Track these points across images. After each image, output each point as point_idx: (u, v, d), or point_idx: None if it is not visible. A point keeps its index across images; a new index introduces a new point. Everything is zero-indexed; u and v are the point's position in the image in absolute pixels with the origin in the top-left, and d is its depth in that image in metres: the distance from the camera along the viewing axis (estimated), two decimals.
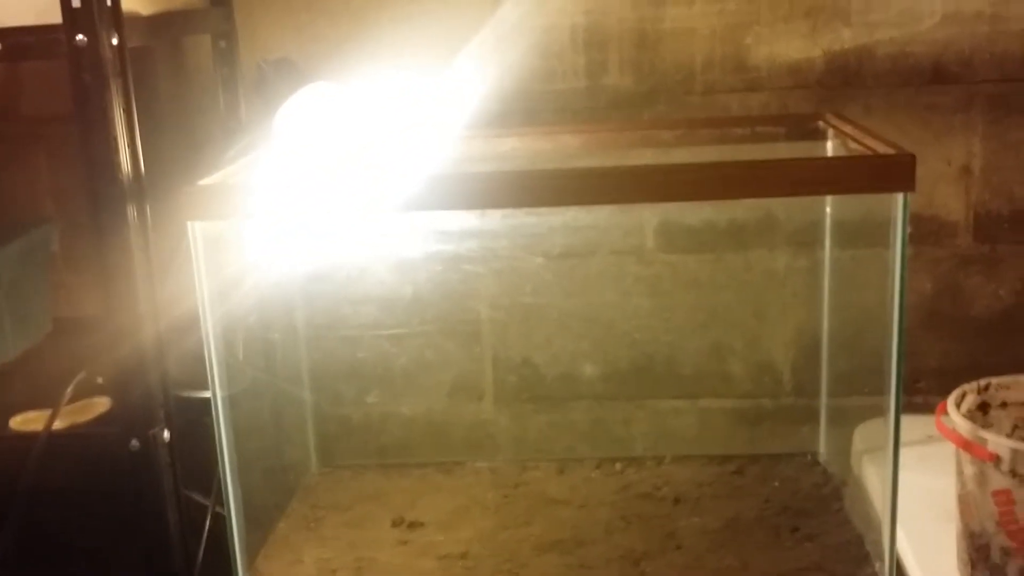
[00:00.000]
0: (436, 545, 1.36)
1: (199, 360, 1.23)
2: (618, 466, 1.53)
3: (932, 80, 1.55)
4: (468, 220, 1.54)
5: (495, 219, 1.55)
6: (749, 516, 1.37)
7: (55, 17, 1.11)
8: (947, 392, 1.24)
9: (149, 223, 1.20)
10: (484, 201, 1.20)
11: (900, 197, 1.07)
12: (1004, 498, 1.10)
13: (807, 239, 1.56)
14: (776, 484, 1.46)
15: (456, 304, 1.63)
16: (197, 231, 1.16)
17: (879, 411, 1.42)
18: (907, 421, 1.15)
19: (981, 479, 1.12)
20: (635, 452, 1.61)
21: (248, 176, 1.22)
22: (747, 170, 1.10)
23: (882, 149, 1.14)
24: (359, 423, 1.66)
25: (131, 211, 1.18)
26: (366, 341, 1.62)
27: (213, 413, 1.22)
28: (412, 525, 1.41)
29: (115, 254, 1.19)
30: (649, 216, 1.61)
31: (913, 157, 1.06)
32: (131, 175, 1.18)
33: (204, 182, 1.17)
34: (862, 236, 1.42)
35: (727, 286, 1.62)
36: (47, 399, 1.32)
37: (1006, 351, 1.62)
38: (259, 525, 1.41)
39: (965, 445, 1.13)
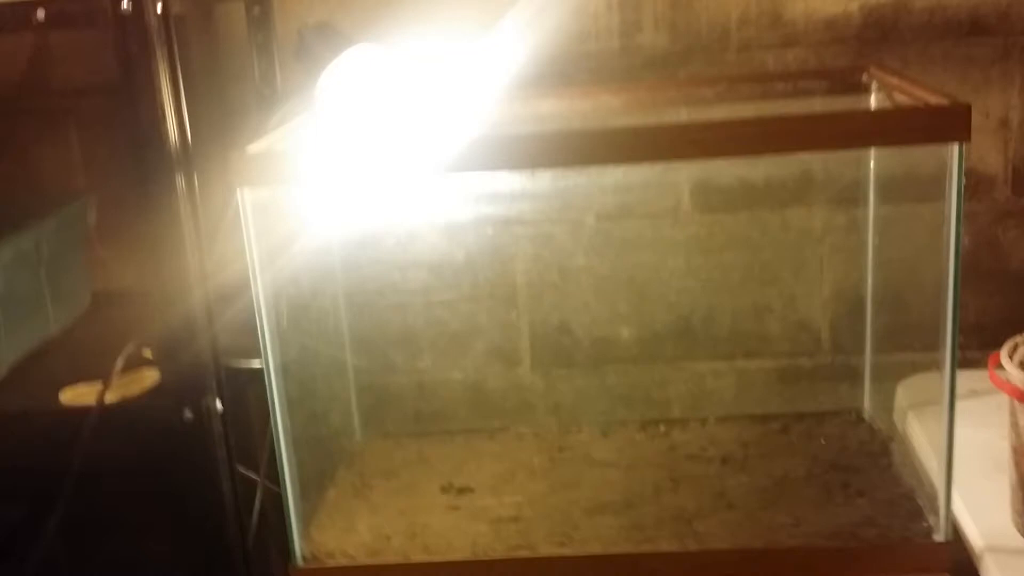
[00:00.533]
0: (487, 509, 1.36)
1: (244, 329, 1.23)
2: (662, 428, 1.53)
3: (969, 33, 1.53)
4: (499, 184, 1.54)
5: (527, 182, 1.55)
6: (798, 474, 1.37)
7: None
8: (987, 347, 1.23)
9: (198, 193, 1.20)
10: (527, 161, 1.19)
11: (956, 147, 1.06)
12: None
13: (845, 196, 1.55)
14: (822, 441, 1.46)
15: (491, 269, 1.63)
16: (246, 197, 1.15)
17: (922, 367, 1.42)
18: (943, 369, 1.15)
19: None
20: (676, 414, 1.61)
21: (295, 142, 1.21)
22: (799, 124, 1.09)
23: (933, 100, 1.13)
24: (399, 390, 1.66)
25: (179, 180, 1.18)
26: (404, 308, 1.62)
27: (266, 383, 1.22)
28: (461, 490, 1.42)
29: (164, 224, 1.19)
30: (684, 177, 1.60)
31: (968, 106, 1.05)
32: (178, 143, 1.17)
33: (252, 148, 1.16)
34: (906, 191, 1.41)
35: (765, 245, 1.61)
36: (93, 373, 1.32)
37: None
38: (309, 495, 1.41)
39: (1020, 396, 1.12)
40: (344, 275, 1.56)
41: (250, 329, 1.21)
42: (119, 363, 1.28)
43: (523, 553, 1.26)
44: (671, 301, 1.65)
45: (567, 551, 1.26)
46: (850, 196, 1.53)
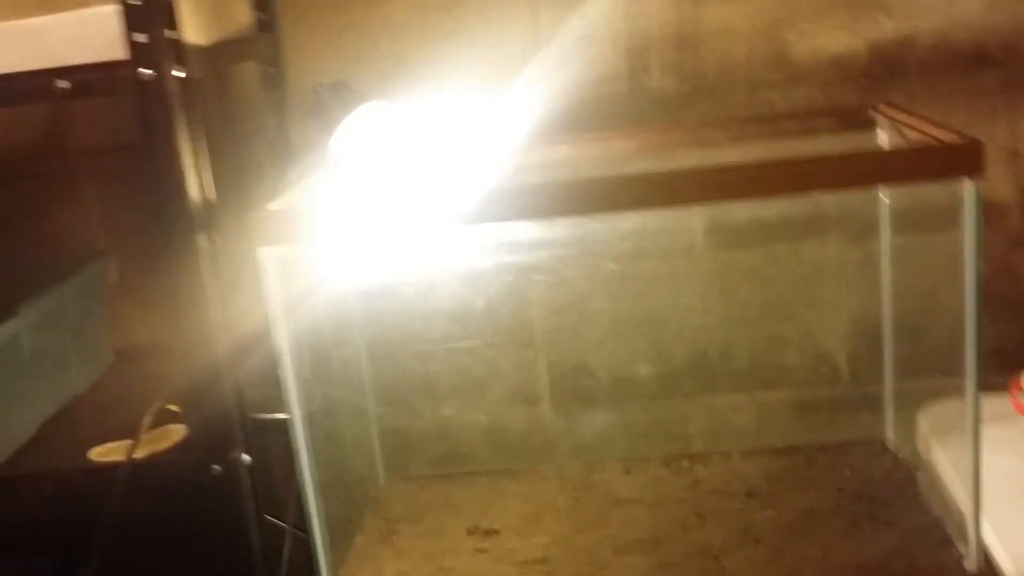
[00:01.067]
0: (514, 551, 1.37)
1: (267, 381, 1.25)
2: (685, 463, 1.54)
3: (975, 65, 1.55)
4: (515, 230, 1.56)
5: (544, 227, 1.56)
6: (824, 506, 1.38)
7: (118, 53, 1.13)
8: (1007, 371, 1.24)
9: (219, 251, 1.22)
10: (543, 211, 1.20)
11: (971, 184, 1.07)
12: None
13: (859, 227, 1.56)
14: (847, 472, 1.46)
15: (510, 315, 1.64)
16: (267, 257, 1.17)
17: (943, 394, 1.43)
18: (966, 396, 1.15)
19: None
20: (698, 449, 1.62)
21: (312, 199, 1.23)
22: (813, 166, 1.10)
23: (944, 136, 1.15)
24: (422, 435, 1.67)
25: (201, 239, 1.20)
26: (426, 355, 1.64)
27: (292, 435, 1.23)
28: (487, 532, 1.42)
29: (185, 281, 1.21)
30: (698, 216, 1.61)
31: (980, 143, 1.07)
32: (200, 204, 1.19)
33: (271, 207, 1.18)
34: (920, 221, 1.43)
35: (780, 279, 1.63)
36: (120, 429, 1.33)
37: None
38: (336, 541, 1.41)
39: None
40: (366, 325, 1.58)
41: (273, 381, 1.23)
42: (146, 420, 1.29)
43: None
44: (688, 337, 1.66)
45: None
46: (864, 227, 1.54)
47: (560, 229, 1.55)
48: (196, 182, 1.19)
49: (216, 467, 1.25)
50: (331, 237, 1.20)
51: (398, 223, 1.17)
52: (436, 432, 1.67)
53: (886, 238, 1.50)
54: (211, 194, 1.21)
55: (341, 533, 1.44)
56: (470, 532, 1.43)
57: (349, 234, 1.19)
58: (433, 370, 1.64)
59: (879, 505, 1.37)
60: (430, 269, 1.52)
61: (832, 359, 1.64)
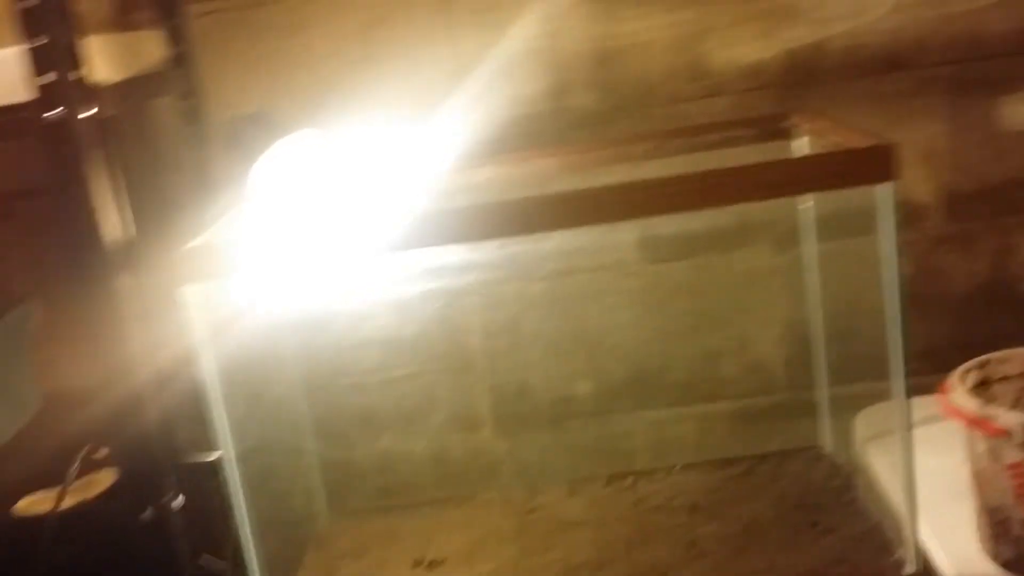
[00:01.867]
0: None
1: (199, 421, 1.23)
2: (628, 481, 1.54)
3: (888, 68, 1.57)
4: (445, 254, 1.55)
5: (473, 250, 1.56)
6: (766, 516, 1.38)
7: (24, 95, 1.10)
8: (936, 372, 1.25)
9: (141, 290, 1.19)
10: (471, 234, 1.19)
11: (888, 187, 1.08)
12: (1020, 471, 1.12)
13: (786, 235, 1.57)
14: (786, 481, 1.47)
15: (446, 338, 1.63)
16: (189, 296, 1.15)
17: (877, 397, 1.44)
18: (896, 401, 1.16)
19: (994, 455, 1.14)
20: (641, 465, 1.61)
21: (233, 234, 1.21)
22: (730, 177, 1.11)
23: (860, 141, 1.16)
24: (363, 468, 1.65)
25: (122, 279, 1.17)
26: (360, 385, 1.62)
27: (225, 475, 1.21)
28: (432, 564, 1.41)
29: (109, 323, 1.18)
30: (628, 230, 1.62)
31: (894, 146, 1.08)
32: (121, 242, 1.17)
33: (192, 244, 1.16)
34: (844, 226, 1.44)
35: (713, 290, 1.63)
36: (49, 478, 1.30)
37: (986, 326, 1.65)
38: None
39: (976, 423, 1.14)
40: (299, 359, 1.56)
41: (205, 421, 1.21)
42: (74, 468, 1.26)
43: None
44: (625, 353, 1.66)
45: None
46: (790, 235, 1.56)
47: (490, 251, 1.54)
48: (115, 221, 1.16)
49: (147, 513, 1.21)
50: (255, 271, 1.18)
51: (322, 253, 1.15)
52: (377, 464, 1.65)
53: (811, 244, 1.51)
54: (131, 232, 1.18)
55: (283, 572, 1.42)
56: (415, 564, 1.42)
57: (273, 267, 1.18)
58: (371, 401, 1.62)
59: (819, 512, 1.37)
60: (361, 298, 1.51)
61: (767, 368, 1.65)
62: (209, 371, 1.18)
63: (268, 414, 1.53)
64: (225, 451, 1.20)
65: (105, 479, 1.30)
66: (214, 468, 1.24)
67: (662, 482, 1.52)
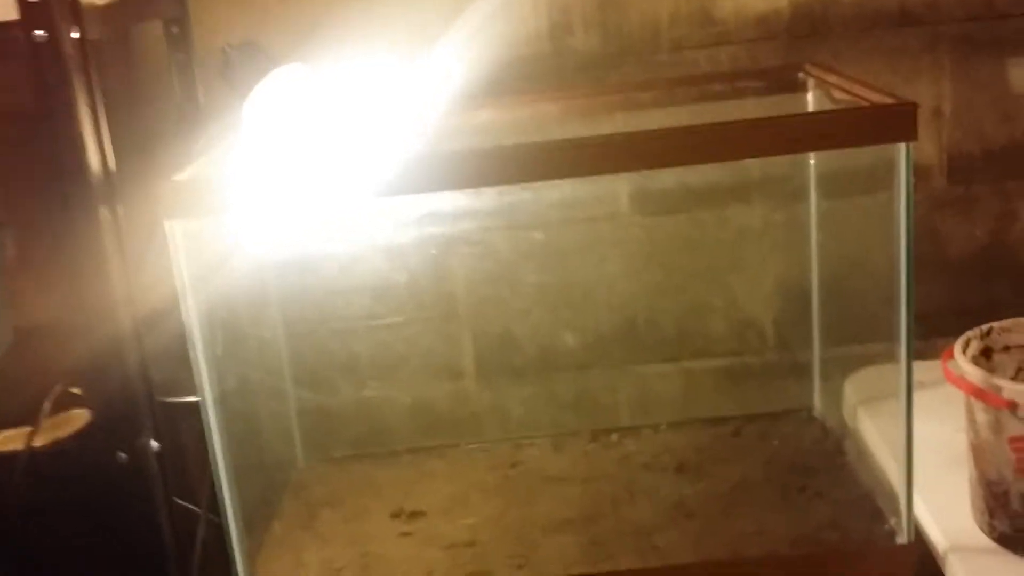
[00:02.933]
0: (441, 534, 1.32)
1: (177, 362, 1.18)
2: (614, 437, 1.51)
3: (898, 23, 1.53)
4: (438, 200, 1.50)
5: (465, 196, 1.51)
6: (755, 478, 1.36)
7: (9, 14, 1.04)
8: (933, 336, 1.22)
9: (123, 223, 1.14)
10: (466, 181, 1.15)
11: (903, 147, 1.05)
12: (1022, 444, 1.09)
13: (786, 191, 1.53)
14: (776, 442, 1.45)
15: (431, 285, 1.59)
16: (176, 230, 1.10)
17: (869, 360, 1.42)
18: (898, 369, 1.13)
19: (996, 426, 1.11)
20: (626, 421, 1.59)
21: (223, 169, 1.16)
22: (741, 130, 1.06)
23: (875, 98, 1.11)
24: (343, 414, 1.61)
25: (103, 212, 1.12)
26: (343, 330, 1.57)
27: (203, 418, 1.17)
28: (413, 515, 1.38)
29: (88, 256, 1.13)
30: (623, 180, 1.57)
31: (915, 105, 1.04)
32: (101, 174, 1.11)
33: (179, 177, 1.11)
34: (847, 184, 1.40)
35: (707, 245, 1.59)
36: (21, 414, 1.25)
37: (983, 292, 1.63)
38: (253, 527, 1.35)
39: (978, 393, 1.11)
40: (283, 302, 1.51)
41: (183, 361, 1.16)
42: (47, 405, 1.21)
43: None
44: (615, 306, 1.63)
45: (526, 575, 1.23)
46: (790, 191, 1.52)
47: (484, 198, 1.49)
48: (96, 150, 1.11)
49: (122, 454, 1.18)
50: (243, 209, 1.13)
51: (314, 194, 1.10)
52: (358, 411, 1.61)
53: (812, 201, 1.48)
54: (112, 162, 1.13)
55: (259, 518, 1.38)
56: (394, 515, 1.38)
57: (262, 206, 1.13)
58: (354, 348, 1.57)
59: (809, 476, 1.35)
60: (349, 243, 1.46)
61: (759, 326, 1.61)
62: (191, 310, 1.13)
63: (250, 357, 1.48)
64: (204, 393, 1.15)
65: (79, 418, 1.25)
66: (193, 410, 1.19)
67: (648, 439, 1.49)
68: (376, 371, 1.59)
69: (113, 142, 1.13)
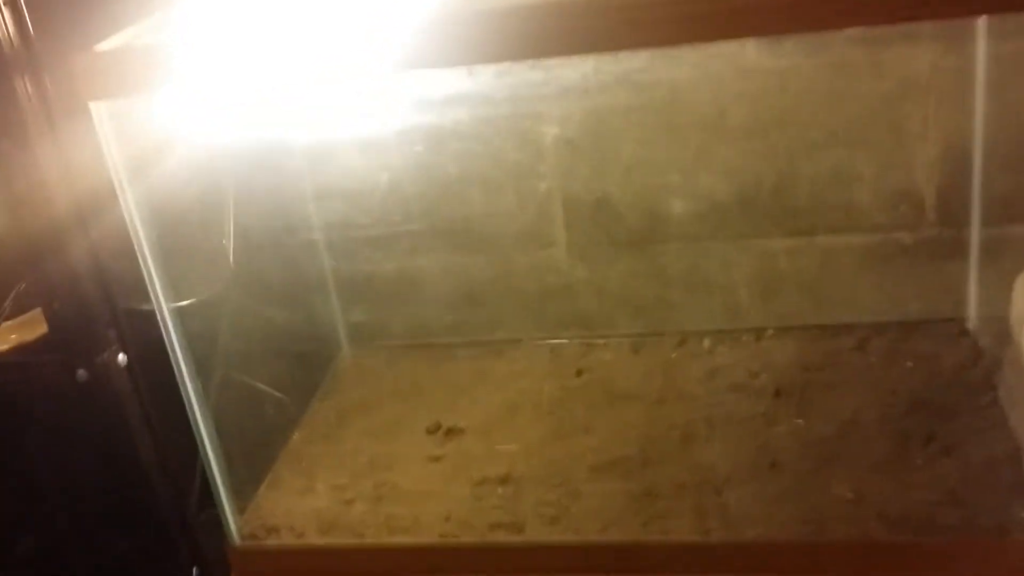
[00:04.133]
0: (473, 462, 1.11)
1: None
2: (706, 343, 1.23)
3: None
4: None
5: None
6: (869, 416, 1.06)
7: None
8: None
9: (52, 101, 0.93)
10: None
11: None
12: None
13: (953, 30, 1.16)
14: (909, 364, 1.14)
15: (515, 137, 1.31)
16: (103, 112, 0.88)
17: None
18: None
19: None
20: (739, 304, 1.29)
21: (161, 37, 0.92)
22: None
23: None
24: (395, 292, 1.37)
25: (20, 87, 0.90)
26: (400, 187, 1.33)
27: (162, 328, 0.98)
28: (449, 433, 1.17)
29: (14, 142, 0.92)
30: None
31: None
32: (16, 42, 0.89)
33: (103, 46, 0.88)
34: None
35: (851, 98, 1.25)
36: None
37: None
38: (272, 437, 1.18)
39: None
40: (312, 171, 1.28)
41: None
42: (6, 306, 1.04)
43: (501, 537, 1.01)
44: (733, 168, 1.31)
45: (555, 534, 1.00)
46: (958, 30, 1.14)
47: None
48: (8, 14, 0.89)
49: (82, 372, 1.00)
50: (192, 86, 0.89)
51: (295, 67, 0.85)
52: (417, 290, 1.36)
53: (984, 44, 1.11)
54: (30, 27, 0.90)
55: (280, 424, 1.21)
56: (430, 431, 1.17)
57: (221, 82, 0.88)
58: (403, 210, 1.33)
59: (941, 420, 1.04)
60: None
61: (910, 199, 1.27)
62: (132, 206, 0.92)
63: (278, 225, 1.27)
64: (158, 300, 0.96)
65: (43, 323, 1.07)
66: (182, 314, 1.00)
67: (747, 349, 1.21)
68: (440, 239, 1.33)
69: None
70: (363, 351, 1.34)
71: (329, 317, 1.34)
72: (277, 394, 1.19)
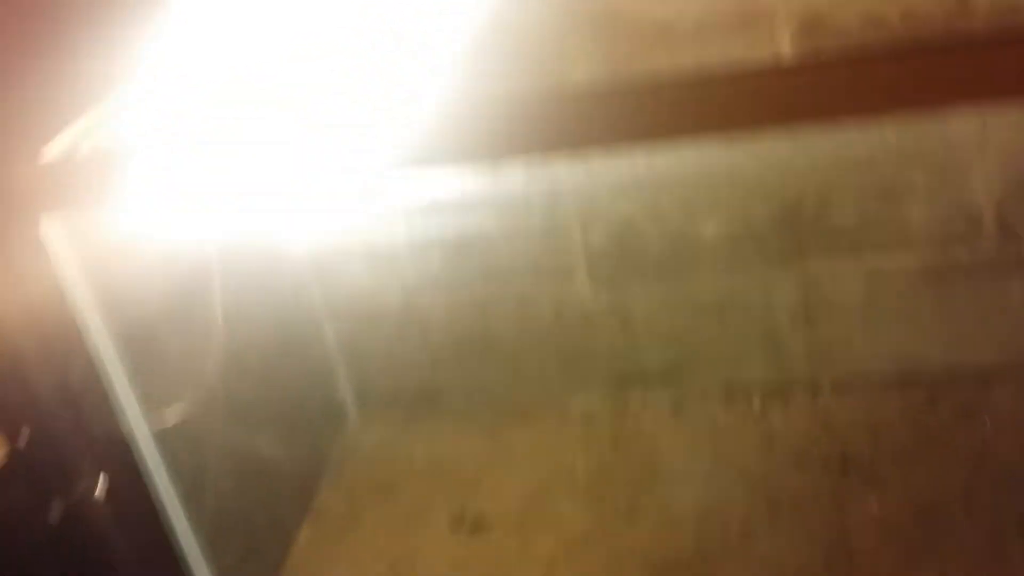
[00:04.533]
0: (504, 562, 0.98)
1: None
2: (756, 404, 1.10)
3: None
4: None
5: None
6: (952, 492, 0.94)
7: None
8: None
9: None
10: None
11: None
12: None
13: None
14: (987, 421, 1.01)
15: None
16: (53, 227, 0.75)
17: None
18: None
19: None
20: (774, 373, 1.15)
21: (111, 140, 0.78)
22: None
23: None
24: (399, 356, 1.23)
25: None
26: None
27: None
28: (476, 525, 1.04)
29: None
30: (783, 8, 1.09)
31: None
32: None
33: (52, 150, 0.74)
34: None
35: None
36: None
37: None
38: (278, 531, 1.06)
39: None
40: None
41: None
42: None
43: None
44: (770, 184, 1.18)
45: None
46: None
47: None
48: None
49: (53, 511, 0.87)
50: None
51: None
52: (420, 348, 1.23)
53: None
54: None
55: (289, 518, 1.08)
56: (454, 523, 1.05)
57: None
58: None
59: None
60: None
61: (974, 214, 1.13)
62: (100, 323, 0.79)
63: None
64: (129, 423, 0.83)
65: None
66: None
67: (803, 407, 1.08)
68: (461, 271, 1.20)
69: None
70: (372, 421, 1.21)
71: (333, 385, 1.21)
72: (280, 490, 1.07)
